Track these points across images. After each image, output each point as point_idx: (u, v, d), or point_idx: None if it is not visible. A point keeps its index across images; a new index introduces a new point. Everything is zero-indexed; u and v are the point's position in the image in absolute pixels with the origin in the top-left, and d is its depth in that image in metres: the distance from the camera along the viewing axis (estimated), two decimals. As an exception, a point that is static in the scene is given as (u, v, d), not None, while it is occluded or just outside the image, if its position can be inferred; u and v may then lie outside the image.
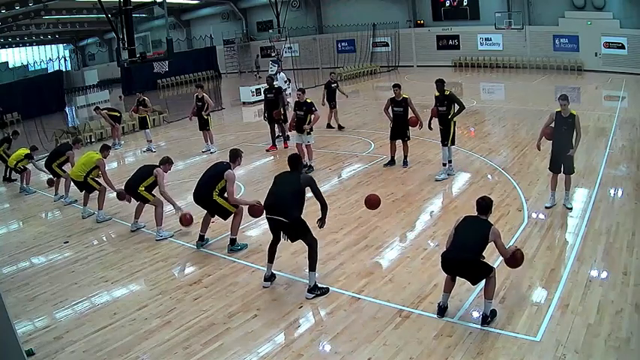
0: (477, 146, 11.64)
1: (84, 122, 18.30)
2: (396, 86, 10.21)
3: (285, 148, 12.59)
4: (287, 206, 5.56)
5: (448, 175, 9.53)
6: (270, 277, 6.06)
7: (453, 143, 9.53)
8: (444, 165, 9.60)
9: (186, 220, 7.75)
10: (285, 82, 19.40)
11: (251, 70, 36.44)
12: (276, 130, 12.72)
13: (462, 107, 9.37)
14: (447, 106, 9.29)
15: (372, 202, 7.23)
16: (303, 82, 23.56)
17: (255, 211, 7.06)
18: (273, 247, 5.97)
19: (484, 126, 14.39)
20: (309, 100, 10.48)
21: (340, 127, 14.41)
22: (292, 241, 5.80)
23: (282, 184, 5.79)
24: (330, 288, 5.85)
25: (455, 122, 9.45)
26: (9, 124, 21.35)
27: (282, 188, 5.71)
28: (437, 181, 9.34)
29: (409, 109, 10.12)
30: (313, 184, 5.72)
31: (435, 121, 9.60)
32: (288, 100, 16.18)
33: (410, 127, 10.19)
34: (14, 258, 7.62)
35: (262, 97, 14.61)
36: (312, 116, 10.37)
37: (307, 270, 5.72)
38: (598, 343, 4.53)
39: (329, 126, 14.48)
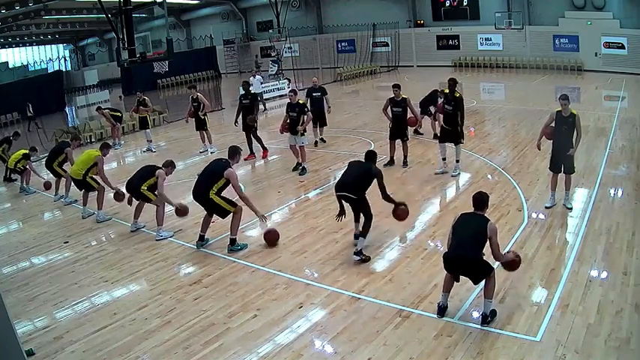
0: (477, 146, 11.63)
1: (84, 122, 18.32)
2: (396, 86, 10.24)
3: (263, 158, 12.00)
4: (355, 185, 6.64)
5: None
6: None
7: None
8: (457, 162, 9.68)
9: (181, 212, 7.69)
10: (262, 84, 19.25)
11: (250, 70, 36.38)
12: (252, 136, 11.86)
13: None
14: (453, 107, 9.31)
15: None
16: (303, 83, 23.59)
17: (270, 237, 7.11)
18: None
19: (484, 126, 14.38)
20: (301, 102, 10.54)
21: (436, 136, 11.57)
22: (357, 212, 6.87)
23: (352, 167, 6.95)
24: (330, 288, 5.87)
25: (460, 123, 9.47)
26: (34, 118, 21.19)
27: (353, 171, 6.82)
28: (453, 176, 9.55)
29: (408, 110, 10.16)
30: (380, 178, 6.62)
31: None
32: (263, 105, 15.56)
33: (409, 127, 10.19)
34: (14, 258, 7.62)
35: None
36: (305, 117, 10.36)
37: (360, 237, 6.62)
38: (598, 343, 4.53)
39: (436, 136, 11.73)
